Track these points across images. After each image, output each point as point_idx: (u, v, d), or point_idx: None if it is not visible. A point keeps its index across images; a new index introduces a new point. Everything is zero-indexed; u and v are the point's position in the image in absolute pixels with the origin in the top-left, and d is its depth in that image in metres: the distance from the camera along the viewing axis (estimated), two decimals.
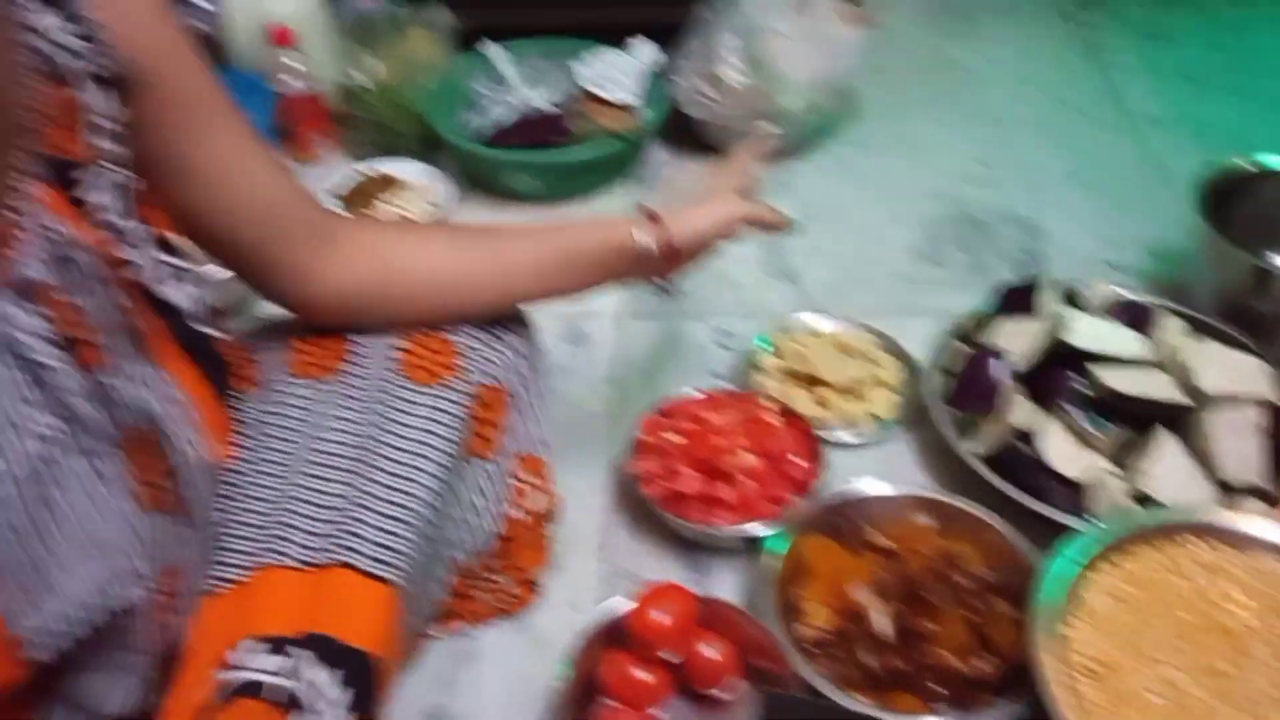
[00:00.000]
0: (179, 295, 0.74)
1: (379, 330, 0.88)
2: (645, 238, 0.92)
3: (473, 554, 0.95)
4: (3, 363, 0.60)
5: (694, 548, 1.10)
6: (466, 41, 1.74)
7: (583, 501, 1.14)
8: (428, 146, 1.66)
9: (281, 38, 1.59)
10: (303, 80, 1.61)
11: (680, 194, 1.00)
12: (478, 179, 1.63)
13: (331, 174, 1.60)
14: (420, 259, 0.88)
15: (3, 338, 0.60)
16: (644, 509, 1.11)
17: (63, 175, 0.65)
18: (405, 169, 1.63)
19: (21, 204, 0.62)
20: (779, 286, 1.45)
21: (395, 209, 1.57)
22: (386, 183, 1.61)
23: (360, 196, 1.57)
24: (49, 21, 0.64)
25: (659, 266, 0.95)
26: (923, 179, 1.64)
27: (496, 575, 1.00)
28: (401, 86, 1.64)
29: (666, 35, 1.67)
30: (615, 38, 1.73)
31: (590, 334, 1.37)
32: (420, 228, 0.93)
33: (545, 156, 1.59)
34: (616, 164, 1.63)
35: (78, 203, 0.66)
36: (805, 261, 1.47)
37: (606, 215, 1.21)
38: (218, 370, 0.81)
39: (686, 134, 1.68)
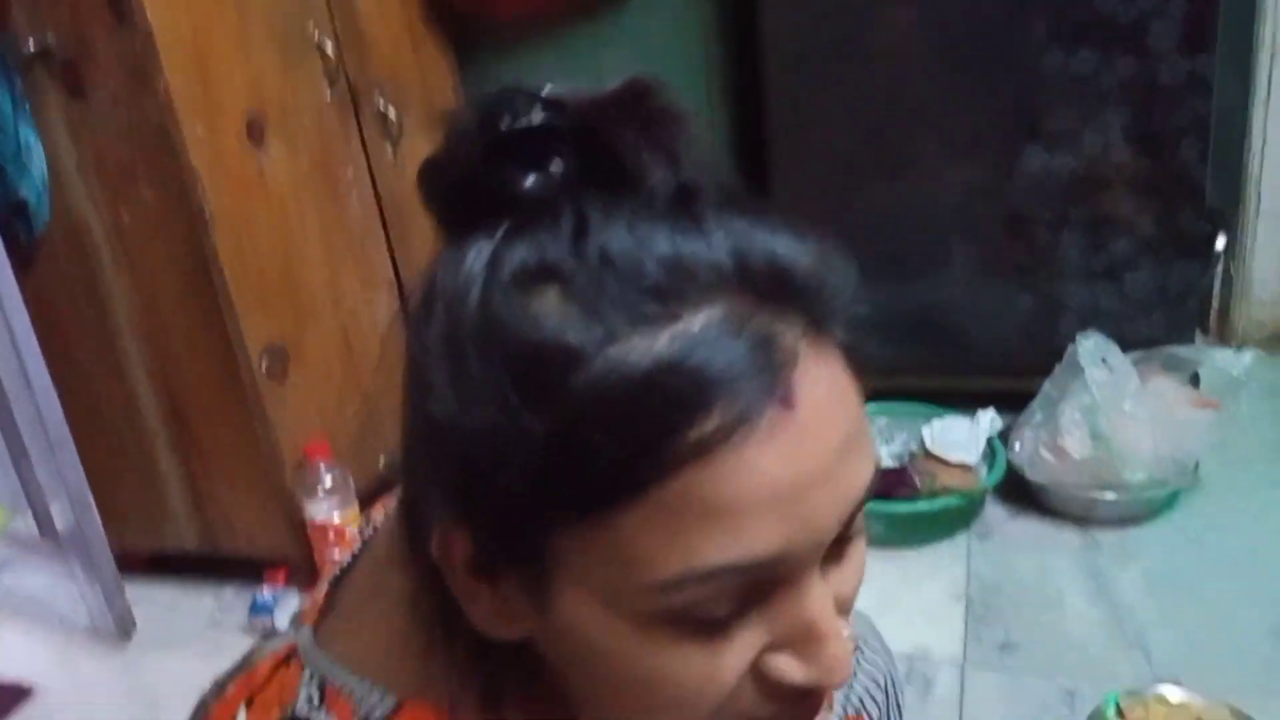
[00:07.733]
0: None
1: None
2: None
3: None
4: None
5: None
6: None
7: None
8: None
9: None
10: None
11: None
12: None
13: None
14: None
15: None
16: None
17: None
18: None
19: None
20: (1127, 652, 1.45)
21: None
22: None
23: None
24: None
25: None
26: (1276, 558, 1.62)
27: None
28: None
29: (1009, 401, 1.82)
30: (957, 401, 1.89)
31: (934, 680, 1.43)
32: None
33: (887, 506, 1.72)
34: (954, 518, 1.74)
35: None
36: (1153, 630, 1.48)
37: None
38: None
39: (1024, 494, 1.77)
